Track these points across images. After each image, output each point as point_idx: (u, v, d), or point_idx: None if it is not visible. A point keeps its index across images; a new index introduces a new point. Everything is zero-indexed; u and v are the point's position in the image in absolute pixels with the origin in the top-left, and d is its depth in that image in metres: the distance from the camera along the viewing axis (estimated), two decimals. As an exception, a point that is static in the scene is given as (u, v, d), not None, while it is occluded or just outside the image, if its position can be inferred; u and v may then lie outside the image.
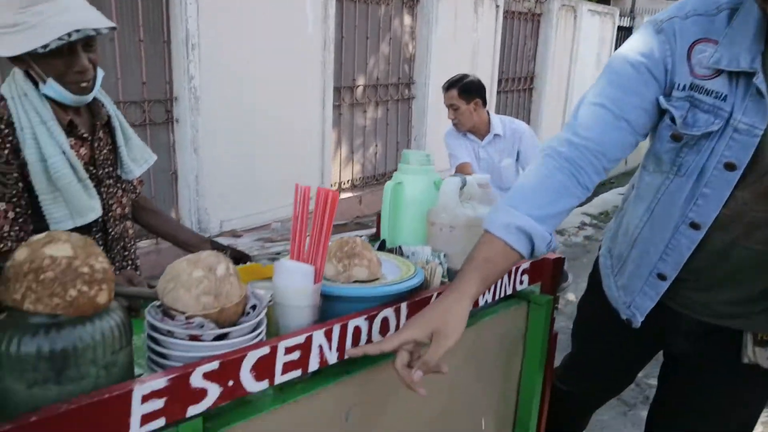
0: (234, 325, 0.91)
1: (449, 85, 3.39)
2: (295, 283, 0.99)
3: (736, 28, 1.11)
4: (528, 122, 7.20)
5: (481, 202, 1.51)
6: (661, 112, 1.22)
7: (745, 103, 1.11)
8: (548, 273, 1.64)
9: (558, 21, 7.07)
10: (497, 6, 6.09)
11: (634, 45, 1.22)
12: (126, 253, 1.67)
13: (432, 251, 1.42)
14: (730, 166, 1.15)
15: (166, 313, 0.89)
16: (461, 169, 3.31)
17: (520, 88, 6.99)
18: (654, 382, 1.66)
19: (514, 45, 6.70)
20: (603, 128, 1.21)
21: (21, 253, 0.78)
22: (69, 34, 1.31)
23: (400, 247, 1.43)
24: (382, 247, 1.50)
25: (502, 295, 1.48)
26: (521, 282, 1.55)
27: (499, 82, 6.46)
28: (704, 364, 1.38)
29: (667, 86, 1.19)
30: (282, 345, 0.92)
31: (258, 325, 0.95)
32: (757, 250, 1.21)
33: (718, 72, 1.13)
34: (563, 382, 1.79)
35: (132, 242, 1.70)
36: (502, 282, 1.47)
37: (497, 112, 6.64)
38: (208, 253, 0.94)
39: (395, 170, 1.61)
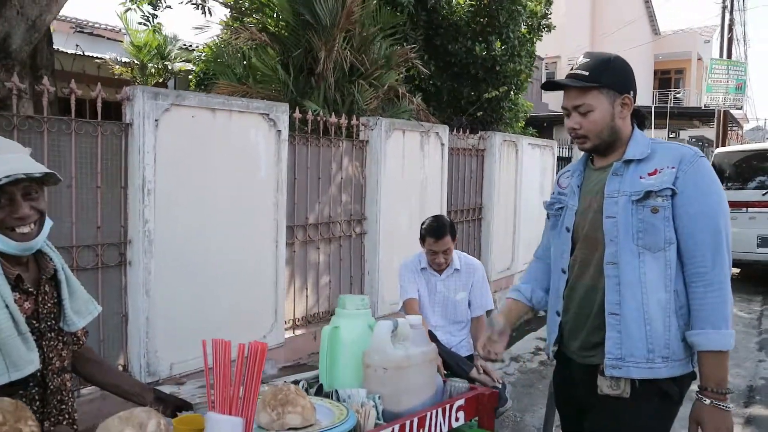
0: (162, 482, 0.94)
1: (441, 233, 3.38)
2: (224, 436, 1.03)
3: (580, 161, 2.11)
4: (479, 249, 7.46)
5: (414, 342, 1.59)
6: None
7: (575, 196, 2.04)
8: (485, 407, 1.69)
9: (501, 155, 7.56)
10: (442, 144, 6.51)
11: None
12: (63, 406, 1.66)
13: (367, 394, 1.47)
14: (567, 229, 2.03)
15: (95, 473, 0.92)
16: (407, 305, 3.40)
17: (469, 218, 7.30)
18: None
19: (461, 178, 7.10)
20: (543, 247, 2.29)
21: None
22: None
23: (336, 391, 1.48)
24: (319, 391, 1.54)
25: (438, 433, 1.52)
26: (457, 419, 1.60)
27: (449, 213, 6.75)
28: (592, 404, 1.90)
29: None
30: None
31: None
32: (587, 285, 1.95)
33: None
34: None
35: (69, 395, 1.70)
36: (436, 421, 1.52)
37: (449, 242, 6.86)
38: (141, 410, 0.98)
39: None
